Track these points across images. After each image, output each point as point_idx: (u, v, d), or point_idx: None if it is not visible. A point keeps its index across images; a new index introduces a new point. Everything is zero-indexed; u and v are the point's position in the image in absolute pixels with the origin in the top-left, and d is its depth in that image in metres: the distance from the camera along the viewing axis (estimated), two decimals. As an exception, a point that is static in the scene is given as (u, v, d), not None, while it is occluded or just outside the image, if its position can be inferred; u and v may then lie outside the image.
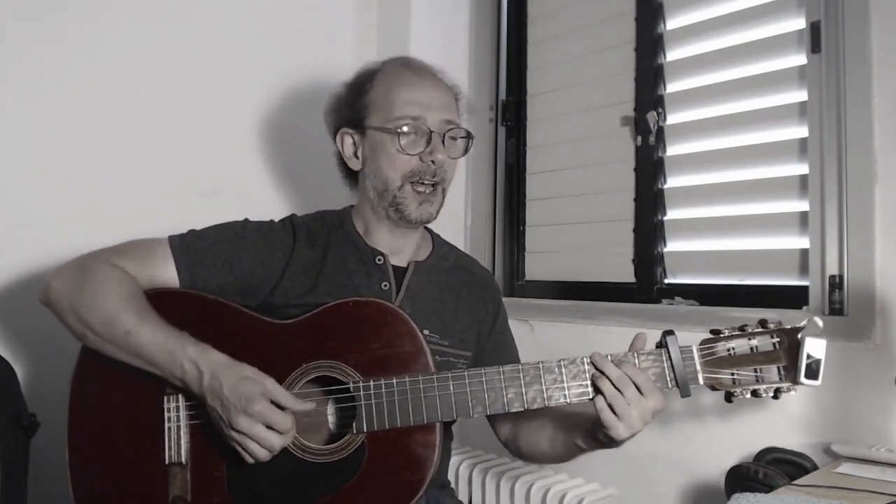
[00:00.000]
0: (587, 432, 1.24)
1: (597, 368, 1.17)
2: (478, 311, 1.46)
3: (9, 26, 1.59)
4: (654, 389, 1.16)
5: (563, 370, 1.18)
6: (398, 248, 1.41)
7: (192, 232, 1.35)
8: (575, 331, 1.87)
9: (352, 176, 1.47)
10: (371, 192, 1.39)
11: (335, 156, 1.47)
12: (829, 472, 1.30)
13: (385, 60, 1.44)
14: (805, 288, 1.52)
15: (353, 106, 1.40)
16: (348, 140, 1.41)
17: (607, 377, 1.15)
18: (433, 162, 1.34)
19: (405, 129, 1.33)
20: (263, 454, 1.15)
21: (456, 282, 1.45)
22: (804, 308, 1.51)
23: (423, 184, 1.35)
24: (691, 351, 1.17)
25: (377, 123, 1.36)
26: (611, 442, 1.19)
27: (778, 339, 1.16)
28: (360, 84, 1.41)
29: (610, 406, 1.15)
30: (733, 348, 1.17)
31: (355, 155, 1.41)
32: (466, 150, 1.42)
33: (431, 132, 1.34)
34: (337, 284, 1.34)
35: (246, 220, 1.40)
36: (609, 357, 1.18)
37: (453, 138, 1.38)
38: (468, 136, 1.40)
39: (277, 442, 1.15)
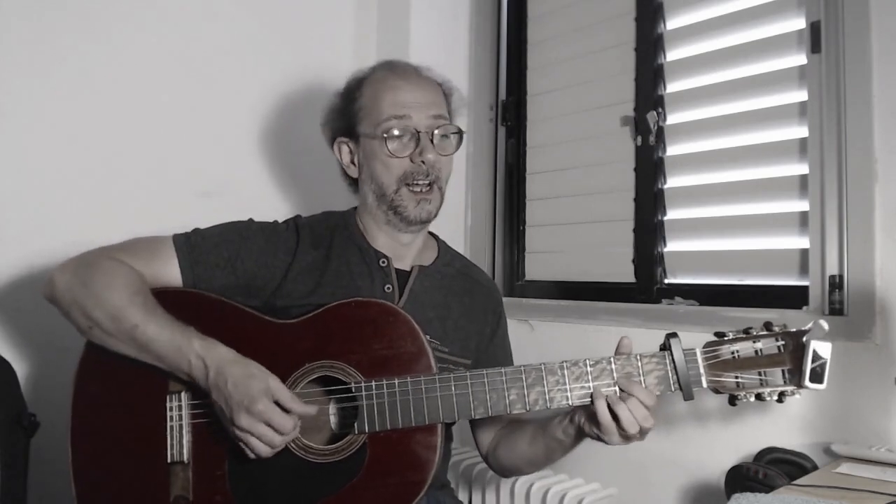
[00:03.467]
0: (568, 421, 1.24)
1: (623, 390, 1.16)
2: (478, 321, 1.46)
3: (10, 26, 1.59)
4: (654, 413, 1.17)
5: (566, 372, 1.18)
6: (401, 252, 1.42)
7: (196, 231, 1.36)
8: (575, 331, 1.87)
9: (354, 183, 1.48)
10: (370, 197, 1.40)
11: (338, 164, 1.48)
12: (829, 472, 1.30)
13: (373, 66, 1.45)
14: (805, 288, 1.52)
15: (345, 114, 1.42)
16: (345, 149, 1.44)
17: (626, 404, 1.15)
18: (423, 162, 1.34)
19: (395, 132, 1.34)
20: (265, 450, 1.15)
21: (459, 289, 1.46)
22: (804, 308, 1.51)
23: (417, 184, 1.35)
24: (695, 354, 1.16)
25: (367, 130, 1.38)
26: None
27: (783, 342, 1.15)
28: (349, 92, 1.43)
29: (615, 418, 1.15)
30: (737, 351, 1.16)
31: (352, 163, 1.43)
32: (458, 146, 1.42)
33: (419, 133, 1.35)
34: (340, 286, 1.34)
35: (250, 220, 1.40)
36: (615, 362, 1.18)
37: (444, 136, 1.38)
38: (459, 132, 1.41)
39: (279, 440, 1.15)
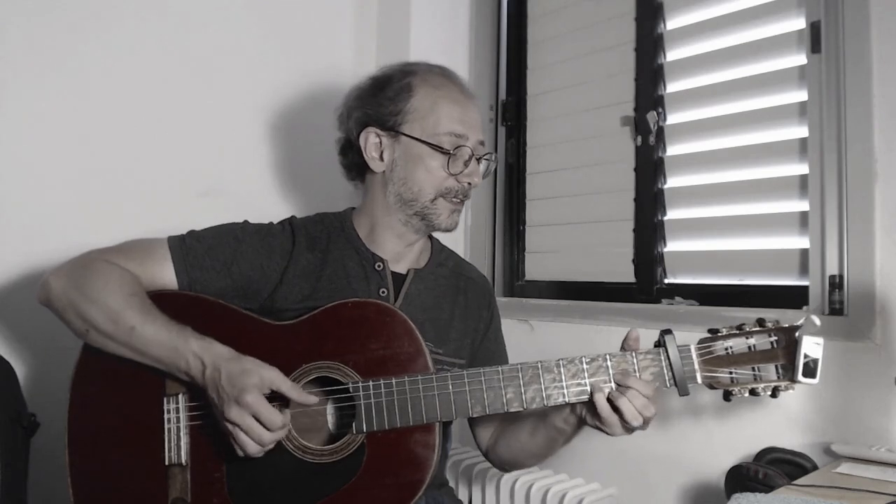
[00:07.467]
0: (569, 411, 1.24)
1: (619, 385, 1.17)
2: (472, 319, 1.46)
3: (10, 25, 1.59)
4: (654, 402, 1.17)
5: (562, 369, 1.19)
6: (401, 254, 1.42)
7: (191, 233, 1.35)
8: (575, 331, 1.87)
9: (359, 173, 1.44)
10: (391, 197, 1.38)
11: (337, 145, 1.45)
12: (829, 472, 1.30)
13: (418, 64, 1.42)
14: (805, 288, 1.52)
15: (387, 107, 1.36)
16: (374, 139, 1.38)
17: (627, 397, 1.16)
18: (469, 184, 1.36)
19: (451, 150, 1.34)
20: (253, 448, 1.15)
21: (453, 289, 1.46)
22: (804, 308, 1.51)
23: (456, 199, 1.37)
24: (689, 350, 1.18)
25: (418, 134, 1.35)
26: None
27: (776, 338, 1.16)
28: (394, 85, 1.37)
29: (617, 411, 1.16)
30: (731, 347, 1.17)
31: (380, 157, 1.38)
32: (490, 173, 1.46)
33: (472, 156, 1.35)
34: (336, 288, 1.34)
35: (245, 222, 1.39)
36: (610, 360, 1.18)
37: (484, 160, 1.40)
38: (494, 159, 1.44)
39: (267, 437, 1.14)
